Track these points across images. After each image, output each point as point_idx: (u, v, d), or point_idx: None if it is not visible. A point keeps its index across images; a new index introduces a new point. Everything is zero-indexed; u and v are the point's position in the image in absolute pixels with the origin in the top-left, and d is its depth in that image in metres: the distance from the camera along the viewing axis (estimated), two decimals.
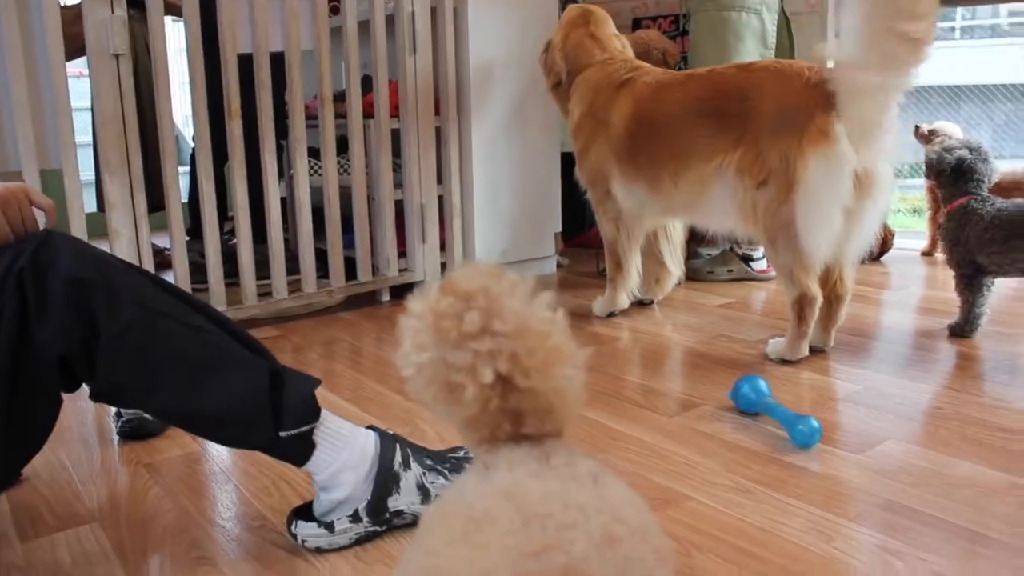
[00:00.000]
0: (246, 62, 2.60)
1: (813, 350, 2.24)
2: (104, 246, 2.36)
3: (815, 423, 1.66)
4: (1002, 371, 2.10)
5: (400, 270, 3.00)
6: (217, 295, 2.60)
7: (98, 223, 2.40)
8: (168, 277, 2.59)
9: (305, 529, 1.32)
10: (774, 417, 1.75)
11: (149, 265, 2.45)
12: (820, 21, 3.63)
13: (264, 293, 2.72)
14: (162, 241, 2.88)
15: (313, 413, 1.29)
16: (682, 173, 2.33)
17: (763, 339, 2.38)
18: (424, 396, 0.74)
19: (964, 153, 2.30)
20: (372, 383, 2.14)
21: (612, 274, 2.70)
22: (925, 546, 1.28)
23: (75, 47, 2.40)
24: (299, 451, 1.28)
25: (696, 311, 2.76)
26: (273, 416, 1.24)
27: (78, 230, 2.33)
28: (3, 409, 1.16)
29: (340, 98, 2.89)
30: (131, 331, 1.18)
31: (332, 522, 1.31)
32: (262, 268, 2.71)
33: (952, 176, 2.30)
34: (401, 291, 3.04)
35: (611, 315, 2.70)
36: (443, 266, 3.08)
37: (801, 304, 2.16)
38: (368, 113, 2.90)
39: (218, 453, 1.72)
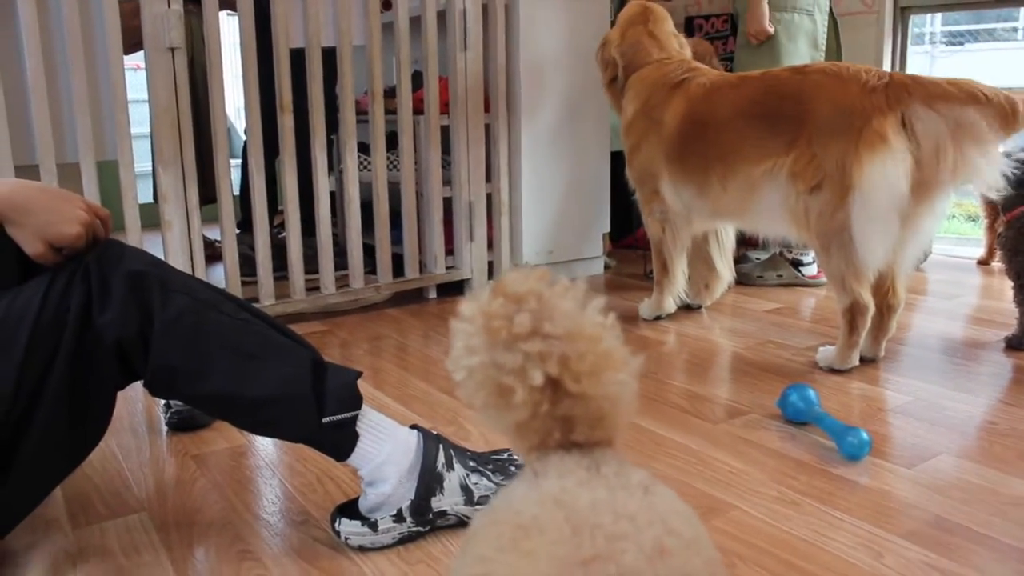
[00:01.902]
0: (298, 56, 2.62)
1: (863, 360, 2.20)
2: (156, 236, 2.42)
3: (865, 435, 1.63)
4: None
5: (447, 268, 3.01)
6: (266, 288, 2.62)
7: (152, 214, 2.43)
8: (218, 269, 2.65)
9: (348, 527, 1.32)
10: (822, 427, 1.73)
11: (199, 256, 2.48)
12: (877, 21, 3.58)
13: (312, 288, 2.74)
14: (212, 233, 2.91)
15: (355, 402, 1.31)
16: (731, 176, 2.30)
17: (812, 346, 2.34)
18: (475, 401, 0.74)
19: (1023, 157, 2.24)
20: (418, 381, 2.14)
21: (659, 277, 2.68)
22: (977, 566, 1.25)
23: (133, 41, 2.44)
24: (342, 442, 1.30)
25: (744, 316, 2.73)
26: (316, 401, 1.26)
27: (132, 220, 2.37)
28: (67, 393, 1.20)
29: (390, 94, 2.90)
30: (183, 318, 1.23)
31: (376, 521, 1.31)
32: (310, 262, 2.73)
33: (1014, 183, 2.25)
34: (448, 289, 3.04)
35: (658, 318, 2.68)
36: (490, 264, 3.08)
37: (853, 313, 2.13)
38: (418, 109, 2.91)
39: (264, 447, 1.74)
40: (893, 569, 1.25)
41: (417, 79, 2.93)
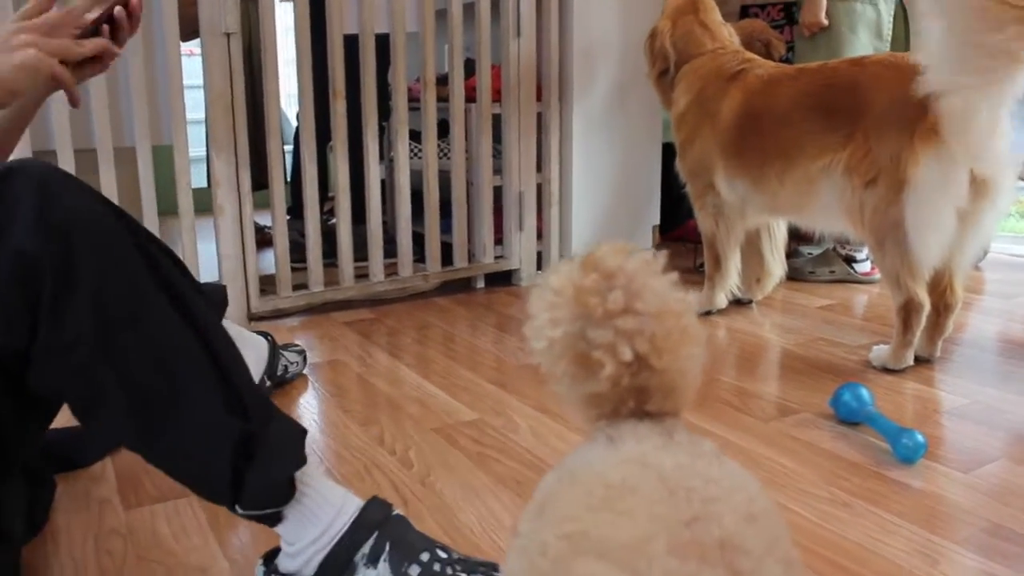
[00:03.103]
0: (351, 43, 2.62)
1: (918, 360, 2.15)
2: (209, 221, 2.45)
3: (920, 437, 1.59)
4: None
5: (496, 257, 3.00)
6: (315, 275, 2.64)
7: (205, 198, 2.46)
8: (268, 255, 2.68)
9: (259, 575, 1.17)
10: (876, 428, 1.69)
11: (251, 242, 2.50)
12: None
13: (361, 275, 2.75)
14: (264, 219, 2.93)
15: (282, 497, 1.08)
16: (789, 171, 2.26)
17: (865, 345, 2.30)
18: (553, 369, 0.75)
19: None
20: (464, 371, 2.14)
21: (710, 272, 2.65)
22: None
23: (191, 29, 2.46)
24: (262, 519, 1.10)
25: (795, 312, 2.69)
26: (232, 489, 1.05)
27: (185, 205, 2.39)
28: None
29: (442, 81, 2.89)
30: (76, 350, 0.97)
31: None
32: (359, 250, 2.74)
33: None
34: (496, 278, 3.04)
35: (708, 313, 2.65)
36: (539, 255, 3.07)
37: (907, 311, 2.08)
38: (470, 97, 2.90)
39: (312, 435, 1.75)
40: None
41: (469, 67, 2.92)
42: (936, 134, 1.92)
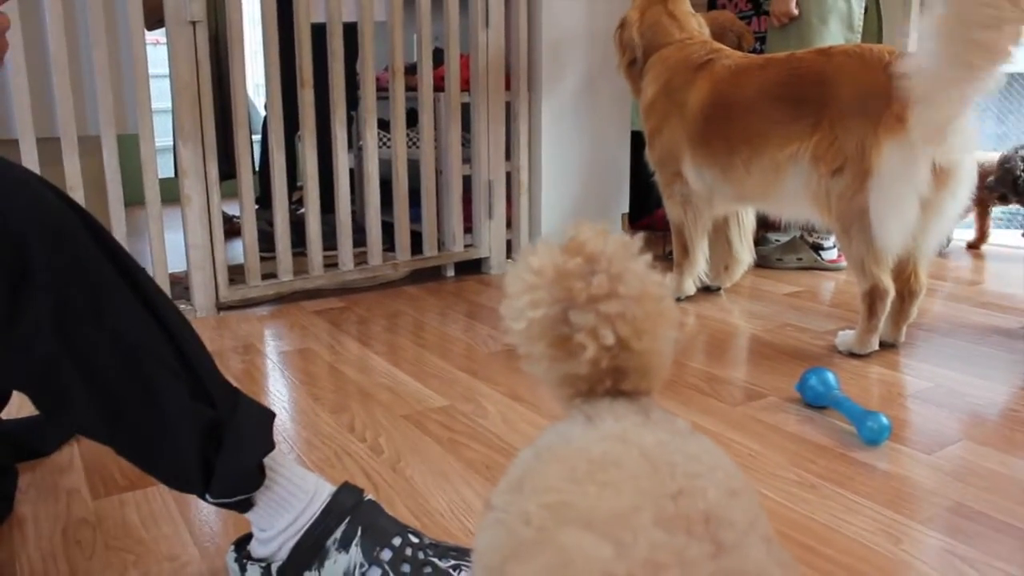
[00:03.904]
0: (319, 32, 2.61)
1: (883, 345, 2.19)
2: (177, 211, 2.43)
3: (884, 420, 1.61)
4: None
5: (465, 246, 3.01)
6: (284, 264, 2.63)
7: (173, 188, 2.44)
8: (236, 245, 2.66)
9: (230, 557, 1.17)
10: (842, 411, 1.72)
11: (219, 231, 2.48)
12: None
13: (330, 264, 2.74)
14: (232, 209, 2.91)
15: (252, 483, 1.09)
16: (755, 159, 2.28)
17: (831, 330, 2.33)
18: (531, 350, 0.75)
19: None
20: (435, 358, 2.14)
21: (679, 259, 2.66)
22: (997, 554, 1.25)
23: (156, 17, 2.44)
24: (233, 507, 1.10)
25: (763, 299, 2.72)
26: (202, 477, 1.05)
27: (152, 194, 2.37)
28: None
29: (411, 71, 2.89)
30: (37, 344, 0.95)
31: (245, 564, 1.14)
32: (328, 239, 2.73)
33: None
34: (466, 267, 3.04)
35: (677, 300, 2.67)
36: (508, 243, 3.07)
37: (872, 297, 2.11)
38: (439, 87, 2.89)
39: (282, 423, 1.75)
40: (911, 555, 1.25)
41: (438, 56, 2.92)
42: (900, 123, 1.94)
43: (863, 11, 2.97)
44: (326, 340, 2.29)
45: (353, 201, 2.88)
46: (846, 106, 2.07)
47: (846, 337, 2.19)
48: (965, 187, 2.03)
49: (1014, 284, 2.86)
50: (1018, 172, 2.25)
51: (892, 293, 2.12)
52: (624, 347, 0.71)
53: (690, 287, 2.68)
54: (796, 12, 2.87)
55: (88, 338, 0.97)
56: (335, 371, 2.05)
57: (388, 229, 2.86)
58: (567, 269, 0.72)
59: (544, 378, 0.76)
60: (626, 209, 3.37)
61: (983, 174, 2.60)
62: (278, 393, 1.94)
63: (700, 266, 2.67)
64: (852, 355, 2.15)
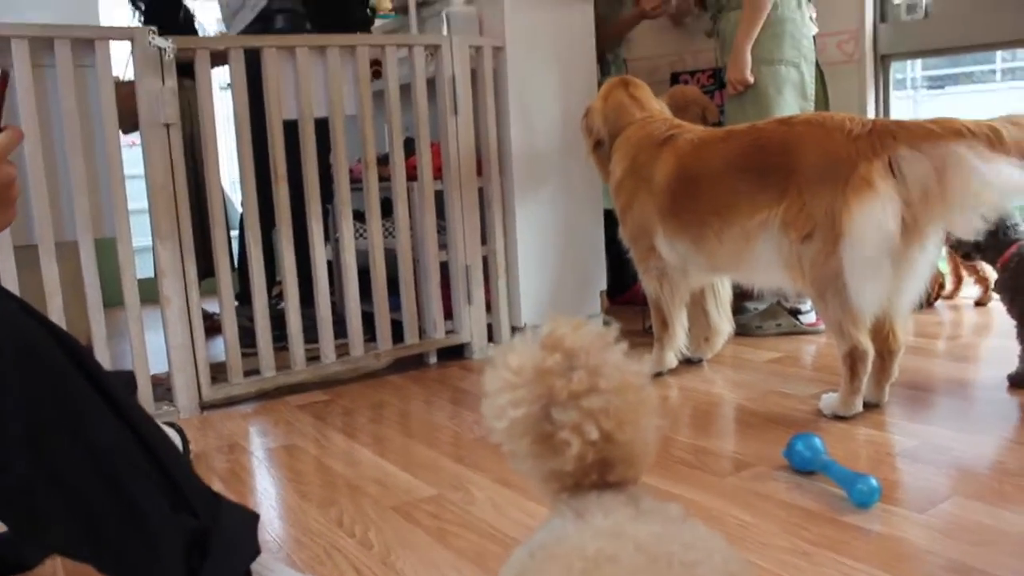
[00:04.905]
0: (291, 128, 2.65)
1: (867, 405, 2.19)
2: (157, 311, 2.43)
3: (874, 481, 1.61)
4: None
5: (447, 332, 3.01)
6: (266, 360, 2.63)
7: (153, 288, 2.44)
8: (218, 342, 2.66)
9: None
10: (830, 476, 1.72)
11: (199, 331, 2.48)
12: (858, 71, 3.64)
13: (312, 357, 2.74)
14: (212, 306, 2.92)
15: None
16: (726, 229, 2.32)
17: (815, 394, 2.34)
18: (515, 448, 0.75)
19: None
20: (422, 447, 2.13)
21: (659, 333, 2.68)
22: None
23: (131, 120, 2.47)
24: None
25: (745, 367, 2.73)
26: None
27: (131, 296, 2.37)
28: None
29: (384, 161, 2.93)
30: (11, 467, 0.93)
31: None
32: (309, 332, 2.73)
33: (989, 234, 2.28)
34: (448, 353, 3.03)
35: (659, 374, 2.67)
36: (489, 327, 3.08)
37: (853, 358, 2.13)
38: (411, 175, 2.93)
39: (270, 521, 1.72)
40: None
41: (409, 145, 2.96)
42: (869, 186, 1.99)
43: (813, 80, 3.06)
44: (311, 435, 2.27)
45: (332, 293, 2.88)
46: (812, 172, 2.11)
47: (830, 400, 2.20)
48: (935, 244, 2.07)
49: (992, 334, 2.89)
50: None
51: (872, 353, 2.13)
52: (608, 440, 0.71)
53: (672, 360, 2.68)
54: (751, 80, 2.94)
55: (63, 455, 0.96)
56: (322, 466, 2.03)
57: (368, 319, 2.87)
58: (546, 367, 0.72)
59: (530, 474, 0.76)
60: (604, 286, 3.39)
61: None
62: (265, 491, 1.91)
63: (680, 338, 2.68)
64: (837, 417, 2.15)
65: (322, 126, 2.71)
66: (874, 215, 2.00)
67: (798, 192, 2.14)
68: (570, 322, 0.76)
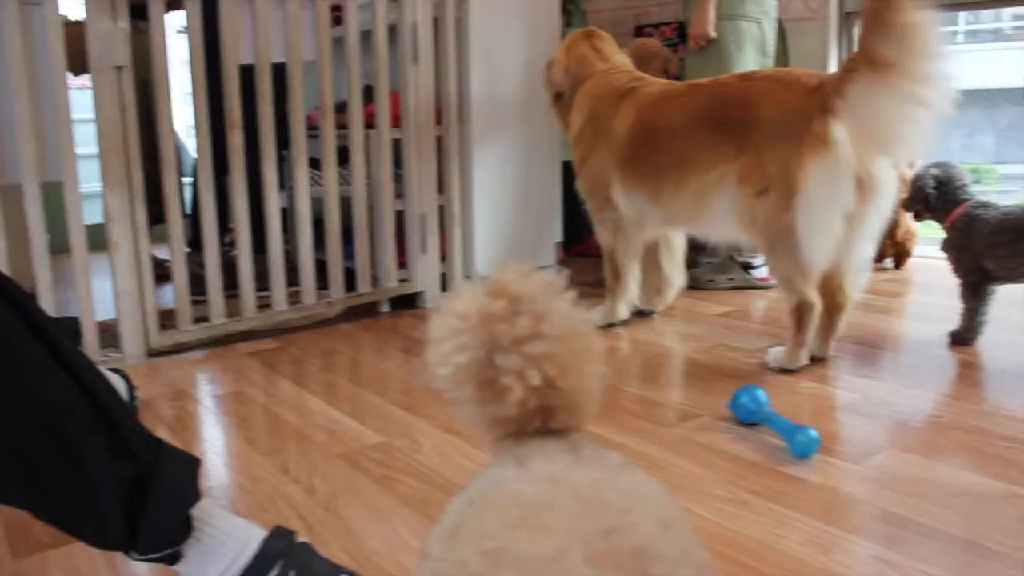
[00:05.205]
0: (247, 73, 2.61)
1: (813, 359, 2.23)
2: (105, 259, 2.39)
3: (813, 433, 1.65)
4: (1002, 379, 2.10)
5: (400, 281, 3.00)
6: (216, 307, 2.60)
7: (101, 235, 2.40)
8: (167, 289, 2.63)
9: None
10: (773, 427, 1.75)
11: (148, 277, 2.45)
12: (822, 28, 3.64)
13: (264, 305, 2.72)
14: (162, 253, 2.88)
15: (178, 536, 1.08)
16: (684, 183, 2.33)
17: (763, 348, 2.37)
18: (458, 394, 0.75)
19: (937, 171, 2.34)
20: (372, 396, 2.13)
21: (611, 285, 2.69)
22: (923, 557, 1.28)
23: (83, 63, 2.41)
24: (162, 560, 1.09)
25: (696, 320, 2.76)
26: (128, 535, 1.03)
27: (78, 241, 2.33)
28: None
29: (341, 109, 2.89)
30: None
31: None
32: (262, 279, 2.71)
33: (938, 194, 2.32)
34: (401, 302, 3.03)
35: (611, 326, 2.69)
36: (443, 276, 3.08)
37: (800, 312, 2.16)
38: (369, 124, 2.90)
39: (215, 468, 1.72)
40: (842, 564, 1.27)
41: (368, 93, 2.93)
42: (824, 143, 2.00)
43: (774, 37, 3.06)
44: (260, 382, 2.27)
45: (286, 241, 2.86)
46: (770, 128, 2.12)
47: (776, 353, 2.23)
48: (887, 200, 2.09)
49: (936, 293, 2.94)
50: (929, 189, 2.32)
51: (819, 307, 2.16)
52: (551, 386, 0.72)
53: (623, 312, 2.70)
54: (713, 34, 2.94)
55: (1, 403, 0.95)
56: (270, 413, 2.03)
57: (322, 267, 2.85)
58: (491, 312, 0.72)
59: (473, 421, 0.77)
60: (560, 238, 3.40)
61: None
62: (211, 439, 1.91)
63: (632, 291, 2.70)
64: (783, 371, 2.19)
65: (279, 72, 2.66)
66: (828, 171, 2.01)
67: (756, 147, 2.15)
68: (519, 269, 0.76)
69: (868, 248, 2.19)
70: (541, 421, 0.74)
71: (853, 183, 2.01)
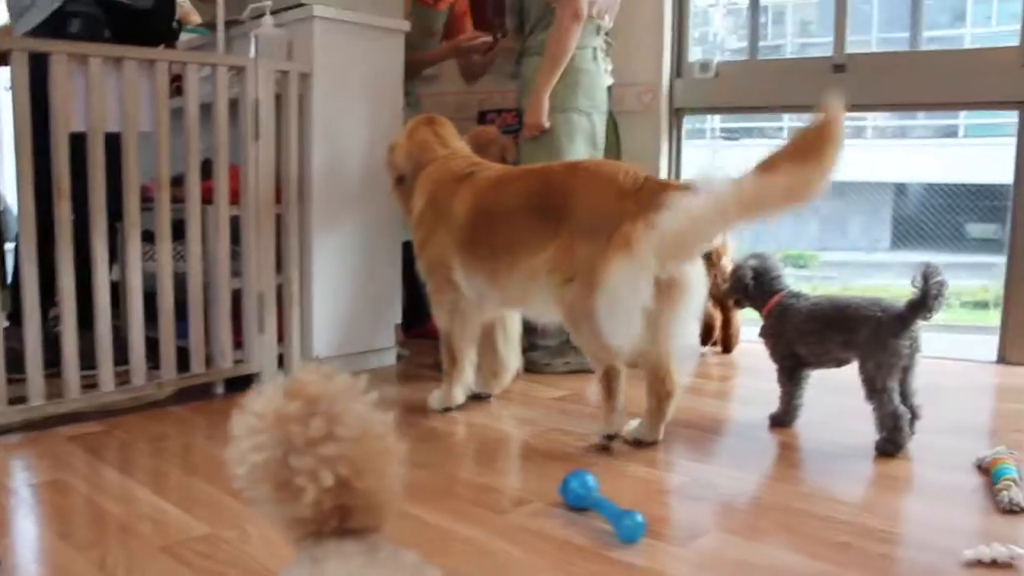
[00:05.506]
0: (79, 141, 2.51)
1: (641, 443, 2.31)
2: None
3: (639, 517, 1.70)
4: (818, 459, 2.23)
5: (236, 361, 2.92)
6: (36, 386, 2.46)
7: None
8: None
9: None
10: (601, 512, 1.79)
11: None
12: (653, 120, 3.85)
13: (89, 385, 2.59)
14: None
15: None
16: (516, 265, 2.42)
17: (596, 431, 2.43)
18: (255, 494, 0.75)
19: (755, 262, 2.51)
20: (202, 484, 2.05)
21: (448, 368, 2.71)
22: None
23: None
24: None
25: (532, 404, 2.80)
26: None
27: None
28: None
29: (178, 182, 2.82)
30: None
31: None
32: (87, 358, 2.58)
33: (756, 284, 2.48)
34: (237, 383, 2.94)
35: (447, 410, 2.70)
36: (280, 357, 3.02)
37: (608, 378, 2.28)
38: (207, 199, 2.85)
39: (25, 566, 1.62)
40: None
41: (207, 167, 2.87)
42: (628, 245, 2.12)
43: (604, 129, 3.22)
44: (82, 470, 2.15)
45: (116, 316, 2.74)
46: (583, 221, 2.25)
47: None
48: (697, 295, 2.25)
49: (759, 377, 3.10)
50: (747, 280, 2.48)
51: (624, 371, 2.29)
52: (346, 487, 0.73)
53: (460, 396, 2.72)
54: (547, 125, 3.06)
55: None
56: (90, 503, 1.93)
57: (153, 346, 2.75)
58: (286, 413, 0.73)
59: (272, 520, 0.77)
60: (399, 319, 3.41)
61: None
62: (23, 533, 1.80)
63: (468, 375, 2.73)
64: (608, 437, 2.29)
65: (114, 141, 2.59)
66: (629, 272, 2.13)
67: (569, 237, 2.27)
68: (319, 370, 0.78)
69: (685, 338, 2.30)
70: (339, 521, 0.76)
71: (652, 284, 2.12)
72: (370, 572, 0.69)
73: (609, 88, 3.26)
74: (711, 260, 3.34)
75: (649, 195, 2.17)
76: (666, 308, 2.19)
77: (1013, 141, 3.37)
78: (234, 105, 2.89)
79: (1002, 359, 3.43)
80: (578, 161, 2.47)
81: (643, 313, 2.14)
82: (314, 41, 3.00)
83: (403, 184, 2.81)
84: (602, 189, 2.24)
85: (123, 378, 2.66)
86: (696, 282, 2.24)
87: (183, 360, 2.79)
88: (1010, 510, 1.83)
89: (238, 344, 2.93)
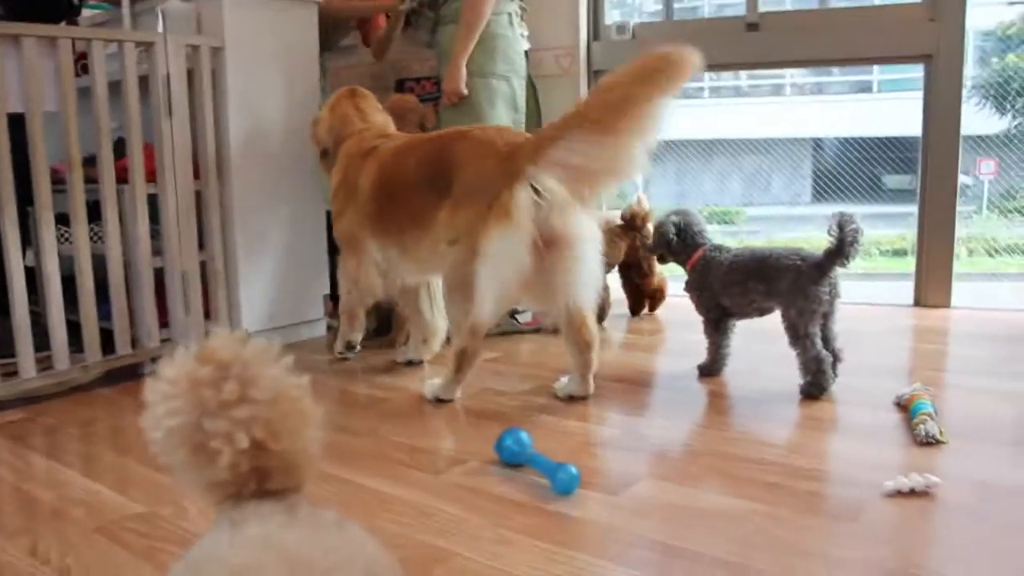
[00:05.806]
0: None
1: (575, 399, 2.34)
2: None
3: (573, 470, 1.73)
4: (746, 405, 2.29)
5: (163, 340, 2.87)
6: None
7: None
8: None
9: None
10: (536, 467, 1.82)
11: None
12: (572, 83, 3.86)
13: (9, 373, 2.53)
14: None
15: None
16: (421, 238, 2.46)
17: (527, 390, 2.46)
18: (171, 459, 0.76)
19: (677, 218, 2.54)
20: (136, 464, 2.02)
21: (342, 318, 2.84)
22: None
23: None
24: None
25: None
26: None
27: None
28: None
29: (91, 162, 2.75)
30: None
31: None
32: (6, 345, 2.52)
33: (679, 239, 2.52)
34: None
35: (350, 347, 2.85)
36: (207, 335, 2.97)
37: (462, 356, 2.35)
38: (123, 178, 2.78)
39: None
40: None
41: (120, 146, 2.81)
42: (506, 212, 2.15)
43: (524, 93, 3.22)
44: (6, 458, 2.10)
45: (34, 302, 2.67)
46: (467, 188, 2.28)
47: (433, 384, 2.43)
48: (587, 243, 2.26)
49: (689, 331, 3.16)
50: (670, 235, 2.51)
51: (480, 357, 2.38)
52: (262, 449, 0.74)
53: (356, 337, 2.86)
54: (466, 91, 3.05)
55: None
56: (17, 491, 1.89)
57: (76, 329, 2.69)
58: (198, 377, 0.74)
59: (190, 485, 0.78)
60: (327, 290, 3.39)
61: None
62: None
63: (361, 319, 2.84)
64: (439, 400, 2.39)
65: (18, 123, 2.51)
66: (508, 238, 2.16)
67: (455, 203, 2.30)
68: (231, 336, 0.78)
69: (589, 289, 2.31)
70: (257, 484, 0.76)
71: (529, 248, 2.15)
72: (289, 531, 0.70)
73: (526, 52, 3.26)
74: (635, 225, 3.39)
75: (532, 154, 2.18)
76: (558, 263, 2.22)
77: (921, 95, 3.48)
78: (144, 82, 2.82)
79: (918, 302, 3.55)
80: (466, 128, 2.47)
81: (523, 285, 2.20)
82: (224, 14, 2.94)
83: (327, 158, 2.80)
84: (482, 156, 2.27)
85: (45, 364, 2.60)
86: (582, 230, 2.25)
87: (108, 342, 2.73)
88: (926, 442, 1.91)
89: (164, 323, 2.89)
